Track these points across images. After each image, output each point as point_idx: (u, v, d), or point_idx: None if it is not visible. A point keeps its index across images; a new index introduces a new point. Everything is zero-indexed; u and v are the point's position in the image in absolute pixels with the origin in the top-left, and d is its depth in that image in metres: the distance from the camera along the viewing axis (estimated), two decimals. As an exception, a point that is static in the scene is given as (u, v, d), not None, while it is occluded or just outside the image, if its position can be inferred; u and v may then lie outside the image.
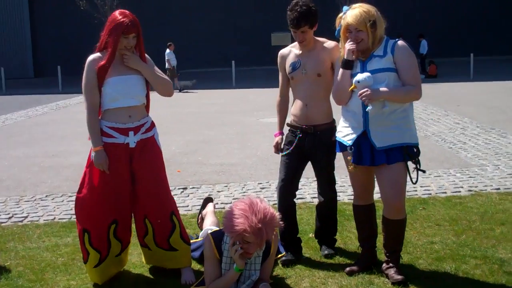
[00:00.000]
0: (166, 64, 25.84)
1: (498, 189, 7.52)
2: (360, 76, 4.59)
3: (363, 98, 4.53)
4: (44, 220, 7.01)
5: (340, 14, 4.79)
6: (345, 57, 4.73)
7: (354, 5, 4.73)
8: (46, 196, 8.12)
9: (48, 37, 39.74)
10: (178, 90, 25.22)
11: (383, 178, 4.74)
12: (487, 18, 38.80)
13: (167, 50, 26.16)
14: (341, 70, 4.77)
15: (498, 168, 8.65)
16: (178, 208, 5.28)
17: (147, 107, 5.04)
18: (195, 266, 5.30)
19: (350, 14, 4.65)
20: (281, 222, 4.55)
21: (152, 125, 5.01)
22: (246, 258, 4.49)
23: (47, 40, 39.84)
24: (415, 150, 4.78)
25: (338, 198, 5.70)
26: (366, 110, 4.58)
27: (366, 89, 4.53)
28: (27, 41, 40.35)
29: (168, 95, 5.05)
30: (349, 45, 4.67)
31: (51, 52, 39.24)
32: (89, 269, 4.98)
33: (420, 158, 4.84)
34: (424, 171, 4.90)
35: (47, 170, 9.92)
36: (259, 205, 4.38)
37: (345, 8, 4.79)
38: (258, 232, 4.29)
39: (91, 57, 4.82)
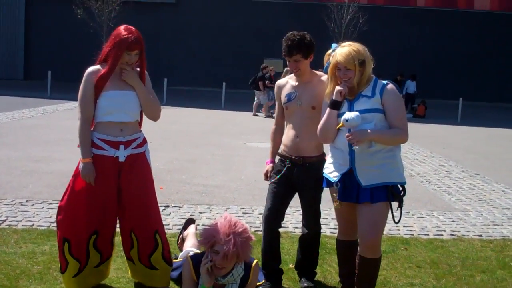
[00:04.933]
0: None
1: (481, 236, 7.51)
2: (348, 115, 4.56)
3: (351, 140, 4.51)
4: (23, 225, 6.91)
5: (329, 51, 4.78)
6: (333, 98, 4.71)
7: (344, 43, 4.72)
8: (27, 201, 8.02)
9: (41, 41, 39.51)
10: None
11: (363, 215, 4.70)
12: (477, 65, 39.28)
13: None
14: (328, 109, 4.75)
15: (481, 214, 8.65)
16: (160, 226, 5.22)
17: (139, 123, 5.00)
18: (173, 287, 5.23)
19: (339, 52, 4.63)
20: (252, 238, 4.50)
21: (144, 141, 4.98)
22: (216, 276, 4.44)
23: (40, 43, 39.59)
24: (400, 188, 4.75)
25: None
26: (353, 148, 4.57)
27: (353, 131, 4.51)
28: (20, 42, 40.09)
29: (154, 119, 4.98)
30: (339, 87, 4.66)
31: (42, 56, 39.03)
32: (67, 279, 4.91)
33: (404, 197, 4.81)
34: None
35: (29, 174, 9.81)
36: (234, 219, 4.45)
37: (334, 45, 4.78)
38: (226, 238, 4.30)
39: (90, 69, 4.78)
